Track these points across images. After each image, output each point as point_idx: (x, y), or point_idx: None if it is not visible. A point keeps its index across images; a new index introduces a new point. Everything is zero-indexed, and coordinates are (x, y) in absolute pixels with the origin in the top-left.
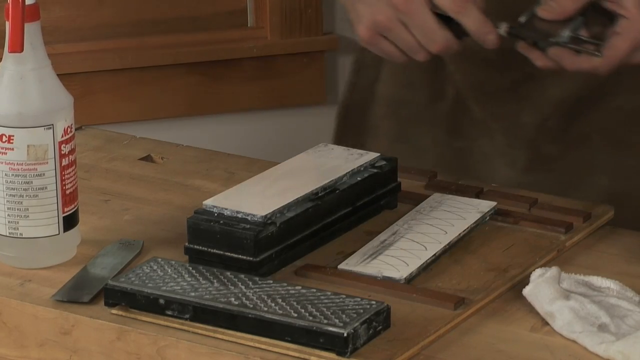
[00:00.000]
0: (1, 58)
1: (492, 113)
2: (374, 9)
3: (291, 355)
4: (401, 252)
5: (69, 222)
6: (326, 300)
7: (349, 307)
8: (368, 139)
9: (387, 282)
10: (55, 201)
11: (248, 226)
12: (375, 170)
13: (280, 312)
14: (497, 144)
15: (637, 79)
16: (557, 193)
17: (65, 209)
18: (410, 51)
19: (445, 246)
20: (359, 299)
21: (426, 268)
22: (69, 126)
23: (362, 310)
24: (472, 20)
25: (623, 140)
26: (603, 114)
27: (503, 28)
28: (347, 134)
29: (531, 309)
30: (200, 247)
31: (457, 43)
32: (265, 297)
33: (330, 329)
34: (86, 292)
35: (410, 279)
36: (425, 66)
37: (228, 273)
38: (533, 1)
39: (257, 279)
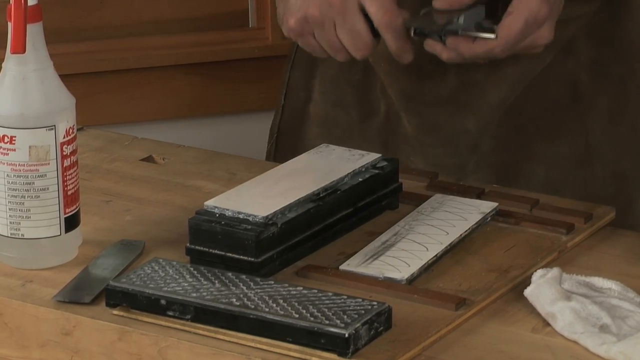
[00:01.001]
0: (3, 59)
1: (431, 125)
2: (308, 2)
3: (292, 356)
4: (402, 252)
5: (71, 222)
6: (327, 301)
7: (351, 308)
8: None
9: (389, 283)
10: (57, 202)
11: (249, 227)
12: (376, 171)
13: (282, 312)
14: (434, 157)
15: (564, 67)
16: (501, 185)
17: (67, 210)
18: (332, 50)
19: (446, 247)
20: (360, 300)
21: (427, 269)
22: (70, 127)
23: (363, 311)
24: (394, 39)
25: (556, 130)
26: (536, 106)
27: (411, 30)
28: (282, 156)
29: (532, 310)
30: (202, 248)
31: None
32: (267, 297)
33: (332, 329)
34: (87, 292)
35: (411, 280)
36: (355, 83)
37: (229, 274)
38: None
39: (258, 279)
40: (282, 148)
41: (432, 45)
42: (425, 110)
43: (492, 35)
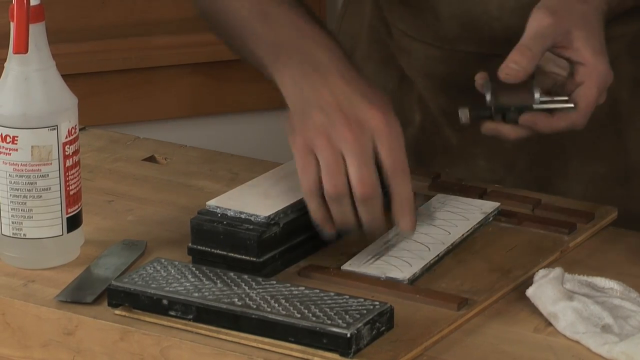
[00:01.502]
0: (6, 59)
1: (470, 140)
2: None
3: (294, 356)
4: (404, 252)
5: (73, 222)
6: (329, 301)
7: (352, 308)
8: None
9: (391, 283)
10: (59, 202)
11: (251, 227)
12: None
13: (284, 312)
14: (477, 169)
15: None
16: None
17: (69, 210)
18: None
19: (448, 247)
20: (362, 300)
21: (429, 269)
22: (73, 127)
23: (365, 311)
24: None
25: (594, 148)
26: None
27: (464, 115)
28: None
29: (534, 310)
30: (204, 248)
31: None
32: (269, 297)
33: (334, 329)
34: (89, 292)
35: (413, 280)
36: (390, 92)
37: (231, 274)
38: (496, 35)
39: (260, 279)
40: None
41: (495, 128)
42: (468, 126)
43: (573, 107)
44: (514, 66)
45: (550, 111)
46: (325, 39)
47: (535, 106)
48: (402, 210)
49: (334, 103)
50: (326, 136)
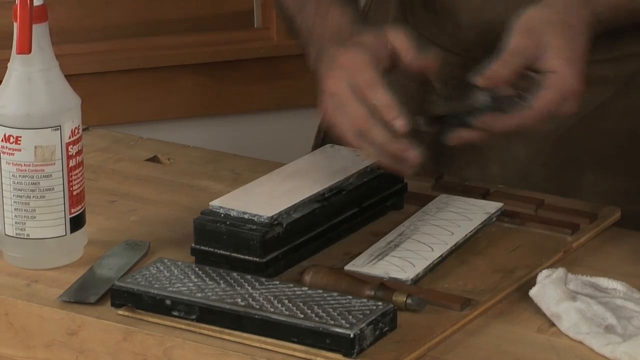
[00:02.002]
0: (9, 59)
1: (481, 147)
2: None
3: (297, 356)
4: (407, 253)
5: (76, 223)
6: (332, 301)
7: (356, 308)
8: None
9: (394, 283)
10: (62, 202)
11: (254, 227)
12: (381, 172)
13: (287, 313)
14: (489, 173)
15: (627, 102)
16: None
17: (72, 210)
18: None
19: (451, 247)
20: (365, 300)
21: (432, 269)
22: (76, 127)
23: (368, 311)
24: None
25: (612, 164)
26: (593, 139)
27: (421, 123)
28: (331, 136)
29: (538, 310)
30: (207, 248)
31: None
32: (272, 297)
33: (337, 329)
34: (93, 292)
35: (416, 280)
36: (411, 90)
37: (234, 274)
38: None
39: (263, 279)
40: (330, 136)
41: (455, 138)
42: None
43: (526, 104)
44: (489, 73)
45: (505, 110)
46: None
47: (487, 106)
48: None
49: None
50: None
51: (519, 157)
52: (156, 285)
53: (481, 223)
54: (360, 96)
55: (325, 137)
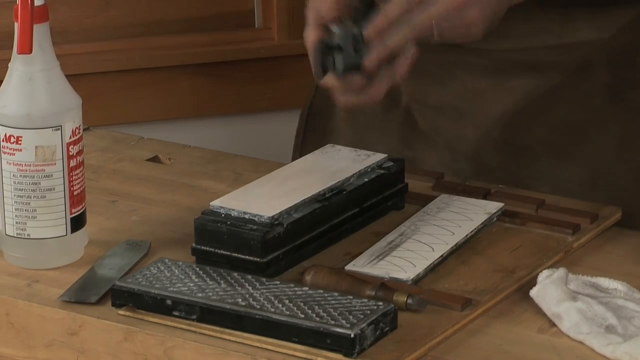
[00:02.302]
0: (10, 59)
1: (435, 127)
2: None
3: (298, 356)
4: (408, 253)
5: (77, 223)
6: (333, 301)
7: (356, 308)
8: (330, 142)
9: (394, 283)
10: (63, 202)
11: (255, 227)
12: (382, 171)
13: (287, 313)
14: (441, 157)
15: (577, 90)
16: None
17: (73, 210)
18: None
19: (452, 247)
20: (366, 300)
21: (433, 269)
22: (77, 127)
23: (369, 312)
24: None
25: (564, 152)
26: (544, 125)
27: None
28: (311, 134)
29: (538, 310)
30: (207, 248)
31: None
32: (272, 298)
33: (337, 329)
34: (93, 292)
35: (417, 280)
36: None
37: (235, 274)
38: None
39: (264, 279)
40: (312, 127)
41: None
42: (429, 112)
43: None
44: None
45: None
46: None
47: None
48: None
49: None
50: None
51: (469, 139)
52: (157, 285)
53: (482, 223)
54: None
55: (304, 138)
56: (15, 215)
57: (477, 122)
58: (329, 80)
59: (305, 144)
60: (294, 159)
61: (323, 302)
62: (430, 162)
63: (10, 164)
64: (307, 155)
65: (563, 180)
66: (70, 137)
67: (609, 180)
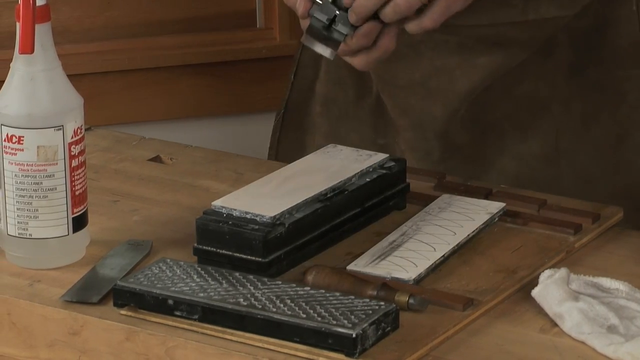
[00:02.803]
0: (12, 59)
1: (403, 108)
2: None
3: (300, 356)
4: (410, 253)
5: (79, 222)
6: (335, 301)
7: (358, 308)
8: (307, 137)
9: (396, 283)
10: (65, 202)
11: (257, 227)
12: (384, 171)
13: (289, 312)
14: (407, 140)
15: (541, 67)
16: (468, 177)
17: (75, 210)
18: None
19: (454, 247)
20: (367, 300)
21: (435, 269)
22: (78, 127)
23: (370, 311)
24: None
25: (528, 128)
26: (510, 101)
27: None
28: (287, 131)
29: (540, 310)
30: (209, 248)
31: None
32: (274, 297)
33: (339, 329)
34: (95, 292)
35: (419, 280)
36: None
37: (237, 274)
38: None
39: (265, 279)
40: (288, 124)
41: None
42: (398, 92)
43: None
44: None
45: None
46: None
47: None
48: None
49: None
50: None
51: (437, 116)
52: (158, 285)
53: (483, 223)
54: None
55: (281, 136)
56: (17, 215)
57: (445, 101)
58: (341, 49)
59: (281, 142)
60: (269, 157)
61: (325, 302)
62: (401, 148)
63: (12, 163)
64: (308, 155)
65: (528, 155)
66: (72, 137)
67: (572, 155)
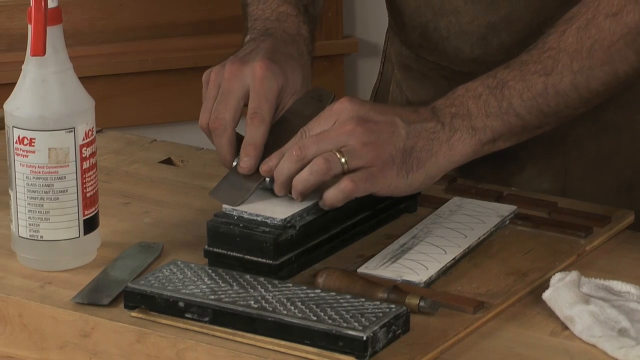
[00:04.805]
0: (23, 61)
1: None
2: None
3: (310, 359)
4: (421, 255)
5: (90, 225)
6: (345, 304)
7: (369, 311)
8: None
9: (407, 286)
10: (76, 204)
11: (267, 229)
12: None
13: (300, 315)
14: None
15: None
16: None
17: (86, 212)
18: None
19: (464, 250)
20: (378, 303)
21: (446, 272)
22: (90, 129)
23: (381, 314)
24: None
25: (547, 162)
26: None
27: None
28: None
29: (551, 313)
30: (220, 250)
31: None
32: (285, 300)
33: (350, 332)
34: (106, 294)
35: (429, 283)
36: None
37: (247, 276)
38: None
39: (276, 282)
40: None
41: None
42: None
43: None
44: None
45: None
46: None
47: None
48: (244, 150)
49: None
50: (215, 75)
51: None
52: (169, 287)
53: (494, 226)
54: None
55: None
56: (29, 217)
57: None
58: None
59: None
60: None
61: (335, 305)
62: None
63: (23, 165)
64: None
65: (549, 191)
66: (83, 139)
67: (579, 197)
